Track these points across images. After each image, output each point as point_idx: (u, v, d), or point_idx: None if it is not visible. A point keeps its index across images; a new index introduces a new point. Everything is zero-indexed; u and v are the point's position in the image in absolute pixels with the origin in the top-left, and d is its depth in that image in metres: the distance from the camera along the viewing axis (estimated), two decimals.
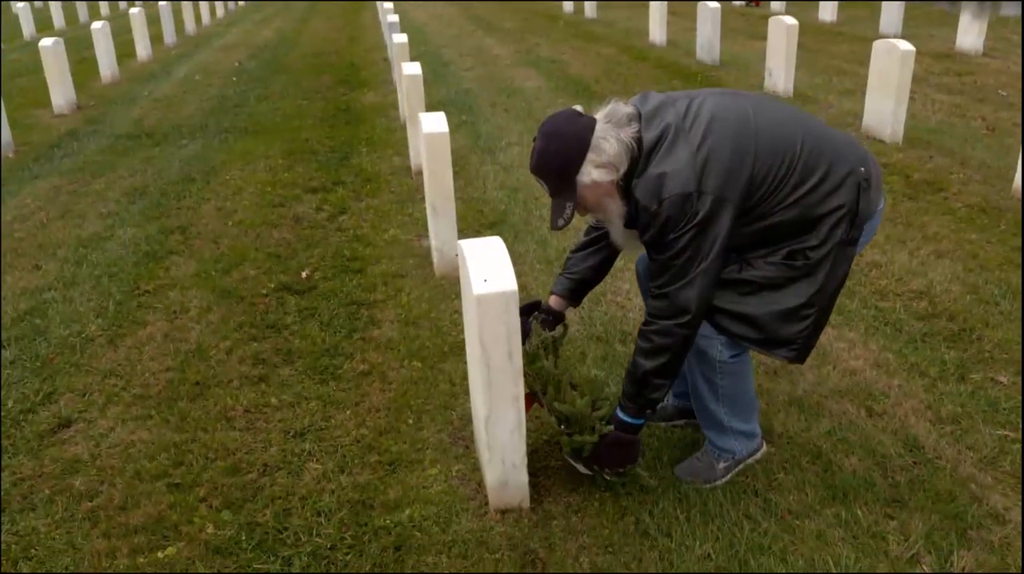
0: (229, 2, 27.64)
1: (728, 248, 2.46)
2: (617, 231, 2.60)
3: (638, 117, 2.46)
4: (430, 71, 11.20)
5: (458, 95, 9.90)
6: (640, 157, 2.42)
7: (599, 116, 2.48)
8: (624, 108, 2.48)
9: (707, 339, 2.61)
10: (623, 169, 2.43)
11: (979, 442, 3.09)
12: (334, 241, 5.35)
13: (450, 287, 4.50)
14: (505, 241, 2.67)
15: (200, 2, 21.52)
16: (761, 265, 2.53)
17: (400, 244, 5.24)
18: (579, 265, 2.94)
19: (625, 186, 2.45)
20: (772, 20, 9.13)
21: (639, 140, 2.42)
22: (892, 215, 5.38)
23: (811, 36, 13.15)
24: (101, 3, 25.72)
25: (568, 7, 19.30)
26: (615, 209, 2.50)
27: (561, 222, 2.48)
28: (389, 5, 12.24)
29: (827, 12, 15.54)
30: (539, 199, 5.87)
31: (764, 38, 9.59)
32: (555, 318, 3.00)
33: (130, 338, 4.18)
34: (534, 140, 2.51)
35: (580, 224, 5.32)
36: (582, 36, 14.66)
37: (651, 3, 13.36)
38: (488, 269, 2.48)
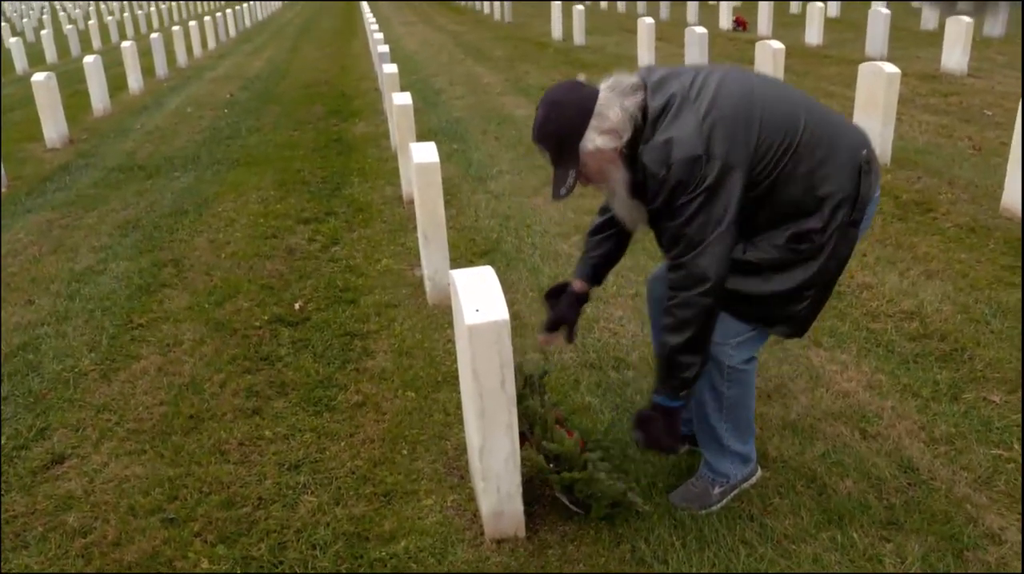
0: (238, 7, 27.77)
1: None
2: (621, 202, 2.58)
3: (643, 87, 2.46)
4: (421, 100, 11.27)
5: (449, 124, 9.96)
6: (645, 126, 2.41)
7: (602, 86, 2.49)
8: (629, 78, 2.48)
9: (718, 346, 2.61)
10: (626, 136, 2.43)
11: (973, 462, 3.09)
12: (327, 272, 5.36)
13: (443, 316, 4.50)
14: (497, 269, 2.69)
15: (199, 6, 21.62)
16: (766, 247, 2.52)
17: (393, 274, 5.26)
18: (596, 248, 2.94)
19: (629, 154, 2.45)
20: (759, 44, 9.22)
21: (644, 108, 2.42)
22: (882, 236, 5.42)
23: (798, 59, 13.28)
24: (95, 14, 25.84)
25: (557, 34, 19.44)
26: (619, 177, 2.49)
27: (563, 191, 2.47)
28: (380, 35, 12.34)
29: (813, 35, 15.70)
30: (531, 227, 5.90)
31: (752, 62, 9.68)
32: (580, 300, 2.99)
33: (123, 372, 4.17)
34: (536, 110, 2.49)
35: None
36: (571, 63, 14.77)
37: (639, 29, 13.49)
38: (480, 299, 2.49)
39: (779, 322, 2.59)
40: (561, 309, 2.96)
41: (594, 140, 2.43)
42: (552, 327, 2.99)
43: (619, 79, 2.49)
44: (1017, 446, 3.18)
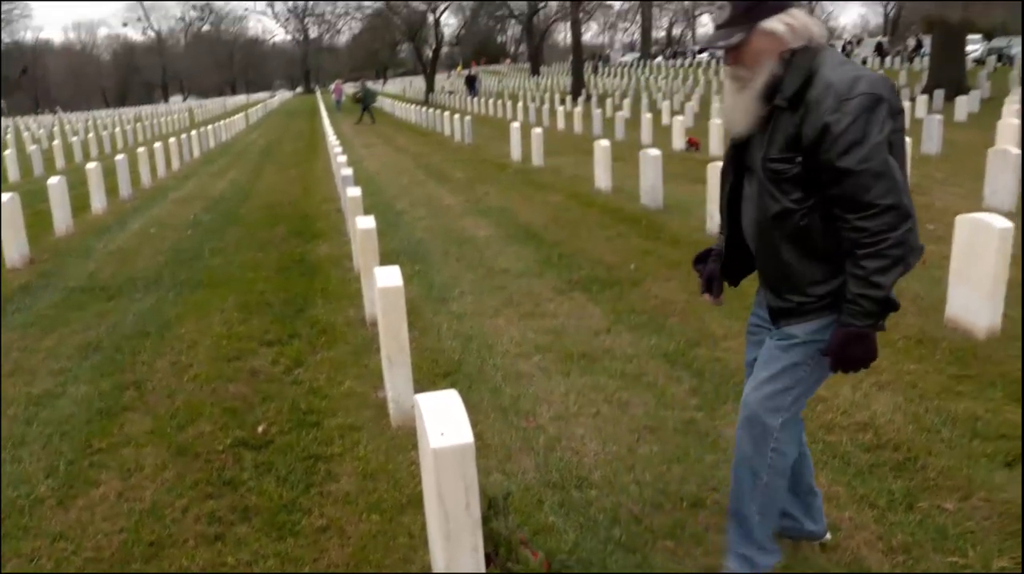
0: (203, 129, 28.19)
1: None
2: (749, 96, 2.71)
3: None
4: (383, 221, 11.45)
5: (411, 245, 10.14)
6: (813, 59, 2.61)
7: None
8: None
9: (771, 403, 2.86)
10: (797, 43, 2.64)
11: (931, 570, 3.16)
12: (290, 394, 5.37)
13: (407, 438, 4.52)
14: (460, 390, 2.76)
15: (164, 127, 21.94)
16: (822, 235, 2.70)
17: (356, 396, 5.28)
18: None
19: (788, 60, 2.63)
20: (710, 166, 9.60)
21: (819, 49, 2.64)
22: None
23: None
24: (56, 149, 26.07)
25: (516, 155, 20.00)
26: (767, 69, 2.66)
27: (720, 43, 2.69)
28: (343, 158, 12.64)
29: None
30: (492, 347, 5.98)
31: (704, 181, 10.05)
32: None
33: (81, 499, 4.11)
34: None
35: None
36: (530, 184, 15.17)
37: (595, 151, 13.97)
38: (444, 422, 2.56)
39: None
40: (709, 268, 3.19)
41: (776, 25, 2.63)
42: (707, 287, 3.20)
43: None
44: (972, 553, 3.25)
